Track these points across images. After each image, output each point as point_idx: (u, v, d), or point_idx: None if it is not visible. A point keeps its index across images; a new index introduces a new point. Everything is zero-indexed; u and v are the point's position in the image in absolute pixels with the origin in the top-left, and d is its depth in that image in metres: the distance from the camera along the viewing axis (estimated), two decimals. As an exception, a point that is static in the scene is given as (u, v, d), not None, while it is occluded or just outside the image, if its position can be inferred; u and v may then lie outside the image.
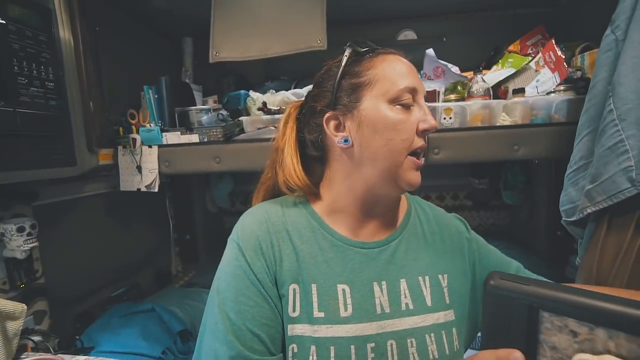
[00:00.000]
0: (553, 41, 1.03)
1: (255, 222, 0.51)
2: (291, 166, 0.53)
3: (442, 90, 1.13)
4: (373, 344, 0.45)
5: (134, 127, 1.20)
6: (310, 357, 0.44)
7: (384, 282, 0.48)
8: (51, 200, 1.17)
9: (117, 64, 1.22)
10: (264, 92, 1.21)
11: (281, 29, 1.12)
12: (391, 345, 0.45)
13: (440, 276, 0.51)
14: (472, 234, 0.61)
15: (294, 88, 1.40)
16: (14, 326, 0.94)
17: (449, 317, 0.49)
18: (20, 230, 0.98)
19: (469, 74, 1.21)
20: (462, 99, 1.10)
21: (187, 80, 1.52)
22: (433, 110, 1.08)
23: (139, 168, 1.17)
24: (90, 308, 1.32)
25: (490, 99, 1.05)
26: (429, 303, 0.49)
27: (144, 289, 1.55)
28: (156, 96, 1.23)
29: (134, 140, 1.17)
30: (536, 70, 1.12)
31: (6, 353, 0.90)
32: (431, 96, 1.13)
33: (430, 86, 1.14)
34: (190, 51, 1.62)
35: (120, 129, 1.20)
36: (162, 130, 1.16)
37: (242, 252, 0.48)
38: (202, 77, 1.62)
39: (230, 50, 1.13)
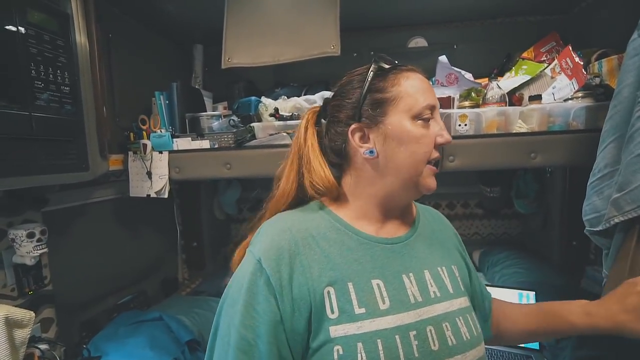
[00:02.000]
0: (570, 48, 1.02)
1: (276, 231, 0.51)
2: (320, 170, 0.55)
3: (457, 97, 1.11)
4: (415, 332, 0.47)
5: (144, 133, 1.19)
6: (359, 355, 0.43)
7: (411, 274, 0.52)
8: (60, 206, 1.16)
9: (128, 70, 1.23)
10: (275, 99, 1.21)
11: (294, 35, 1.12)
12: (430, 330, 0.48)
13: (453, 267, 0.58)
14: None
15: (305, 94, 1.39)
16: (21, 334, 0.92)
17: (466, 303, 0.56)
18: (30, 236, 0.97)
19: (483, 81, 1.19)
20: (477, 106, 1.09)
21: (197, 87, 1.52)
22: (448, 117, 1.07)
23: (149, 174, 1.16)
24: (97, 316, 1.30)
25: (506, 105, 1.03)
26: (450, 290, 0.54)
27: (151, 296, 1.53)
28: (167, 102, 1.23)
29: (145, 145, 1.16)
30: (552, 77, 1.11)
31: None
32: (445, 103, 1.12)
33: (444, 93, 1.13)
34: (200, 58, 1.63)
35: (131, 134, 1.19)
36: (173, 136, 1.15)
37: (261, 264, 0.47)
38: (211, 84, 1.63)
39: (242, 56, 1.13)
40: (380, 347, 0.44)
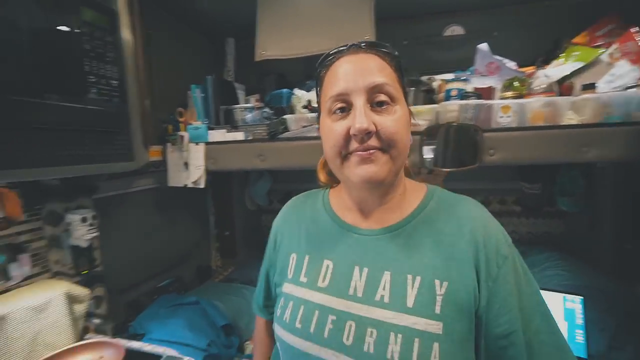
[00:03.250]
0: (633, 30, 0.92)
1: (285, 207, 0.65)
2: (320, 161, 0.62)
3: (499, 87, 1.05)
4: (334, 317, 0.48)
5: (181, 125, 1.24)
6: (288, 310, 0.52)
7: (366, 268, 0.49)
8: (108, 194, 1.25)
9: (165, 65, 1.28)
10: (307, 91, 1.21)
11: (328, 26, 1.10)
12: (350, 326, 0.47)
13: (437, 282, 0.45)
14: (511, 266, 0.47)
15: (336, 86, 1.38)
16: (80, 309, 1.01)
17: (432, 329, 0.43)
18: (84, 220, 1.05)
19: (528, 70, 1.12)
20: (520, 96, 1.02)
21: (229, 80, 1.56)
22: (488, 109, 1.01)
23: (186, 164, 1.21)
24: (139, 297, 1.39)
25: (555, 95, 0.96)
26: (409, 304, 0.45)
27: (186, 281, 1.61)
28: (203, 95, 1.27)
29: (182, 137, 1.21)
30: (609, 64, 1.01)
31: (74, 332, 0.98)
32: (486, 93, 1.06)
33: (484, 83, 1.07)
34: (232, 52, 1.66)
35: (169, 126, 1.24)
36: (209, 128, 1.19)
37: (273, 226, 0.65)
38: (243, 77, 1.66)
39: (275, 48, 1.13)
40: (300, 313, 0.51)
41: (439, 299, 0.44)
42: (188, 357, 0.92)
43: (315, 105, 1.13)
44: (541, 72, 0.97)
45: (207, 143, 1.18)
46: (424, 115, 1.09)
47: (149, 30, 1.17)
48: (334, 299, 0.49)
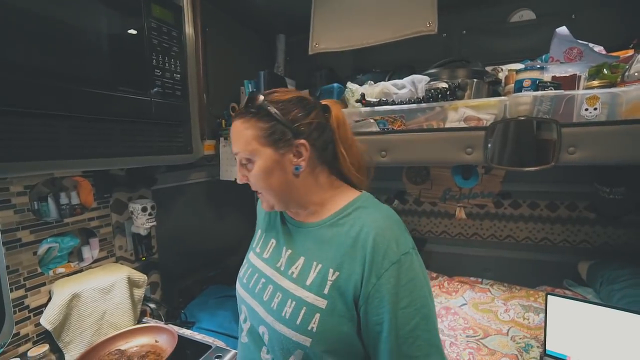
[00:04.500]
0: None
1: None
2: None
3: (585, 74, 0.92)
4: (264, 280, 0.65)
5: (234, 120, 1.26)
6: (243, 269, 0.72)
7: (290, 250, 0.65)
8: (165, 186, 1.31)
9: (219, 61, 1.30)
10: (359, 84, 1.16)
11: (385, 15, 1.05)
12: (269, 288, 0.63)
13: (331, 270, 0.58)
14: (388, 284, 0.54)
15: (389, 80, 1.31)
16: (138, 293, 1.07)
17: (318, 303, 0.56)
18: (144, 210, 1.12)
19: (621, 54, 0.96)
20: (612, 85, 0.88)
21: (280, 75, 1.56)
22: (570, 100, 0.88)
23: (238, 159, 1.22)
24: (190, 285, 1.45)
25: (661, 83, 0.81)
26: (307, 282, 0.59)
27: (233, 273, 1.65)
28: (255, 90, 1.28)
29: (235, 132, 1.23)
30: None
31: (134, 314, 1.04)
32: (567, 83, 0.93)
33: (567, 70, 0.94)
34: (282, 47, 1.67)
35: (223, 121, 1.27)
36: (260, 123, 1.19)
37: None
38: (292, 73, 1.65)
39: (329, 41, 1.10)
40: (248, 272, 0.69)
41: (329, 283, 0.57)
42: (235, 350, 0.93)
43: (370, 99, 1.08)
44: (642, 56, 0.82)
45: (258, 138, 1.19)
46: (489, 109, 0.99)
47: (206, 28, 1.20)
48: (268, 268, 0.66)
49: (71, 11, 0.63)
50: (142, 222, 1.12)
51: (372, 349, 0.56)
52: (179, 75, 0.84)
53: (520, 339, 1.19)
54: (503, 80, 1.13)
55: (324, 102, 0.66)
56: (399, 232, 0.58)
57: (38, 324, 0.91)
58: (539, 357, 1.08)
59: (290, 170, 0.60)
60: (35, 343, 0.92)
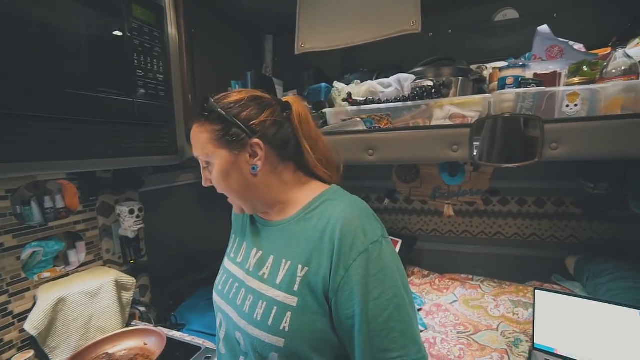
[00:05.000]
0: None
1: None
2: None
3: (565, 71, 0.94)
4: (237, 284, 0.64)
5: (222, 121, 1.25)
6: (219, 276, 0.71)
7: (261, 251, 0.64)
8: (153, 188, 1.30)
9: (207, 62, 1.30)
10: (346, 84, 1.16)
11: (369, 15, 1.05)
12: (242, 291, 0.62)
13: (300, 266, 0.56)
14: (360, 268, 0.53)
15: (376, 79, 1.32)
16: (127, 296, 1.06)
17: (289, 301, 0.55)
18: (131, 212, 1.11)
19: (600, 52, 0.98)
20: (591, 82, 0.90)
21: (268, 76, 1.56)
22: (551, 97, 0.90)
23: (226, 159, 1.22)
24: (180, 288, 1.44)
25: (637, 78, 0.83)
26: (277, 281, 0.58)
27: (224, 275, 1.65)
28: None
29: (223, 133, 1.22)
30: None
31: (122, 318, 1.03)
32: (548, 80, 0.95)
33: (547, 68, 0.96)
34: (270, 48, 1.67)
35: (211, 122, 1.26)
36: (248, 123, 1.19)
37: None
38: (281, 73, 1.65)
39: (315, 40, 1.10)
40: (223, 278, 0.69)
41: (298, 279, 0.55)
42: (226, 350, 0.93)
43: (357, 98, 1.09)
44: (620, 53, 0.84)
45: (246, 138, 1.19)
46: (474, 106, 1.01)
47: (192, 29, 1.19)
48: (240, 271, 0.65)
49: (49, 11, 0.63)
50: (130, 224, 1.11)
51: (348, 344, 0.55)
52: (162, 76, 0.84)
53: (510, 333, 1.20)
54: (488, 78, 1.14)
55: (284, 99, 0.64)
56: (366, 221, 0.56)
57: (23, 330, 0.90)
58: (527, 351, 1.10)
59: (248, 171, 0.59)
60: (20, 349, 0.90)
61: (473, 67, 1.21)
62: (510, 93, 0.94)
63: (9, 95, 0.56)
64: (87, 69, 0.68)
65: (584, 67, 0.94)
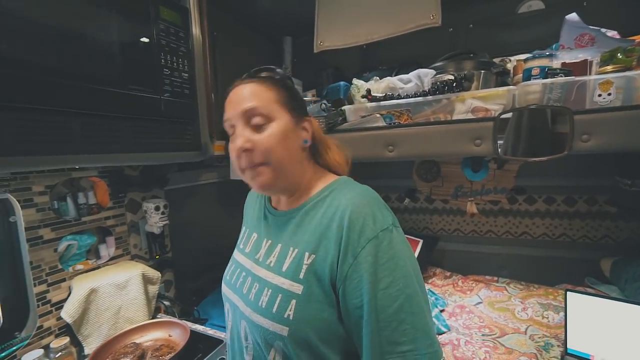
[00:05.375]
0: None
1: (248, 194, 0.82)
2: None
3: (597, 60, 0.89)
4: (244, 274, 0.64)
5: (243, 120, 1.28)
6: (227, 266, 0.73)
7: (270, 241, 0.64)
8: (177, 186, 1.35)
9: (228, 64, 1.33)
10: (366, 81, 1.16)
11: (388, 10, 1.05)
12: (249, 280, 0.62)
13: (307, 253, 0.56)
14: (368, 256, 0.51)
15: (396, 75, 1.31)
16: (153, 289, 1.10)
17: (294, 289, 0.54)
18: (157, 209, 1.15)
19: (638, 38, 0.93)
20: (627, 69, 0.85)
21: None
22: (582, 86, 0.86)
23: (247, 158, 1.25)
24: (202, 284, 1.48)
25: (679, 64, 0.77)
26: (284, 268, 0.57)
27: (244, 272, 1.67)
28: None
29: (243, 132, 1.25)
30: None
31: (148, 310, 1.07)
32: (578, 69, 0.91)
33: (577, 56, 0.92)
34: (289, 49, 1.69)
35: (232, 122, 1.30)
36: (268, 122, 1.21)
37: None
38: (300, 74, 1.67)
39: (334, 38, 1.11)
40: (231, 269, 0.69)
41: (304, 267, 0.55)
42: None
43: (376, 94, 1.08)
44: (658, 37, 0.79)
45: (266, 137, 1.21)
46: (497, 99, 0.98)
47: (214, 32, 1.24)
48: (248, 261, 0.65)
49: (84, 15, 0.67)
50: (155, 220, 1.15)
51: (356, 336, 0.52)
52: (187, 75, 0.87)
53: (539, 337, 1.15)
54: (512, 71, 1.11)
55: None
56: (376, 208, 0.54)
57: (59, 318, 0.95)
58: (559, 357, 1.04)
59: (300, 142, 0.60)
60: (57, 336, 0.95)
61: (496, 60, 1.17)
62: (536, 84, 0.90)
63: (49, 92, 0.61)
64: (119, 68, 0.72)
65: (618, 54, 0.89)
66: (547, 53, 0.99)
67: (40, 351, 0.85)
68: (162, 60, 0.80)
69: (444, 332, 1.24)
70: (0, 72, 0.55)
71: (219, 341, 0.96)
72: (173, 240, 1.32)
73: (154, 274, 1.12)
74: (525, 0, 1.37)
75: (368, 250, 0.50)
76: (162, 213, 1.17)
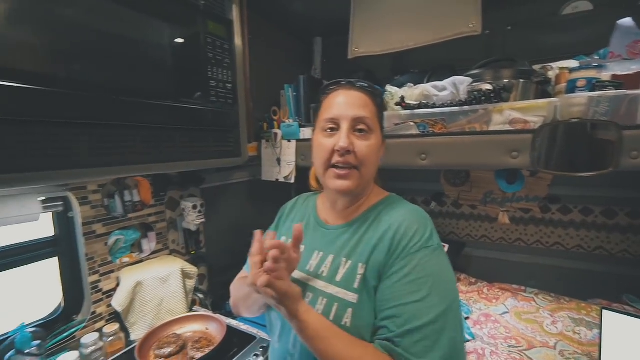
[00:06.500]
0: None
1: (292, 200, 0.86)
2: None
3: (652, 72, 0.85)
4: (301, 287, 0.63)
5: (275, 123, 1.32)
6: None
7: (321, 252, 0.66)
8: (211, 185, 1.41)
9: (261, 66, 1.36)
10: (399, 86, 1.16)
11: (425, 17, 1.04)
12: (302, 286, 0.62)
13: (360, 264, 0.60)
14: (419, 258, 0.57)
15: (428, 81, 1.29)
16: (190, 283, 1.17)
17: (349, 298, 0.58)
18: (194, 207, 1.22)
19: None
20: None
21: (317, 78, 1.60)
22: (634, 100, 0.82)
23: (279, 160, 1.29)
24: (232, 279, 1.55)
25: None
26: (338, 278, 0.61)
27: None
28: (295, 94, 1.33)
29: (276, 134, 1.29)
30: None
31: (186, 303, 1.14)
32: (631, 82, 0.86)
33: (630, 68, 0.87)
34: (319, 50, 1.70)
35: (265, 124, 1.34)
36: (300, 126, 1.24)
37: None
38: (329, 75, 1.68)
39: (369, 44, 1.12)
40: None
41: (358, 277, 0.59)
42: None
43: (410, 102, 1.08)
44: None
45: (298, 140, 1.24)
46: (538, 111, 0.95)
47: (249, 35, 1.27)
48: (299, 273, 0.67)
49: (142, 33, 0.72)
50: (193, 218, 1.22)
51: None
52: (230, 85, 0.91)
53: (570, 354, 1.12)
54: (553, 79, 1.07)
55: None
56: (429, 227, 0.61)
57: (109, 305, 1.04)
58: (591, 374, 1.02)
59: (379, 159, 0.67)
60: (107, 321, 1.05)
61: (536, 67, 1.13)
62: (581, 97, 0.87)
63: (120, 109, 0.67)
64: (173, 82, 0.77)
65: (677, 66, 0.84)
66: (595, 64, 0.94)
67: (96, 334, 0.94)
68: (210, 73, 0.85)
69: (468, 341, 1.24)
70: (82, 94, 0.61)
71: (252, 337, 1.02)
72: (207, 236, 1.40)
73: (192, 269, 1.19)
74: (570, 0, 1.30)
75: (415, 255, 0.56)
76: (199, 212, 1.24)
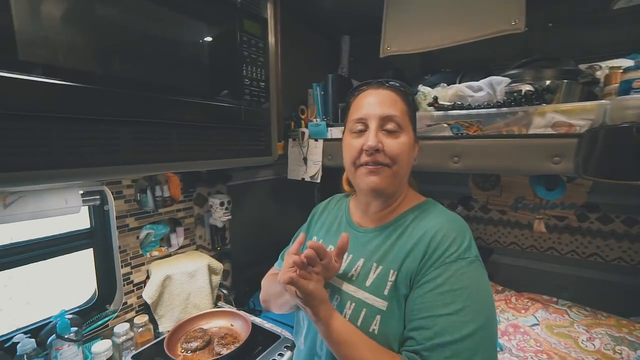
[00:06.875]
0: None
1: (325, 201, 0.87)
2: None
3: None
4: (329, 289, 0.63)
5: (302, 122, 1.31)
6: None
7: (351, 255, 0.65)
8: (237, 182, 1.43)
9: (289, 64, 1.36)
10: (431, 86, 1.12)
11: (464, 14, 1.00)
12: (328, 291, 0.61)
13: (392, 271, 0.58)
14: (454, 269, 0.53)
15: (460, 81, 1.25)
16: (216, 279, 1.19)
17: (379, 304, 0.57)
18: (222, 204, 1.23)
19: None
20: None
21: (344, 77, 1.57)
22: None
23: (305, 159, 1.28)
24: (254, 275, 1.56)
25: None
26: (367, 283, 0.60)
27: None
28: (322, 93, 1.32)
29: (303, 133, 1.28)
30: None
31: (212, 298, 1.16)
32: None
33: (693, 69, 0.80)
34: (347, 49, 1.68)
35: (292, 123, 1.33)
36: (328, 125, 1.23)
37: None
38: (356, 74, 1.66)
39: (402, 43, 1.08)
40: None
41: (389, 284, 0.57)
42: (301, 342, 0.99)
43: (443, 103, 1.04)
44: None
45: (325, 140, 1.22)
46: (584, 114, 0.89)
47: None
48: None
49: (180, 33, 0.73)
50: (219, 215, 1.24)
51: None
52: (263, 84, 0.91)
53: (609, 373, 1.06)
54: (602, 80, 1.00)
55: None
56: (467, 236, 0.57)
57: (139, 297, 1.07)
58: (633, 397, 0.95)
59: (412, 158, 0.64)
60: (137, 312, 1.08)
61: (582, 66, 1.06)
62: (636, 99, 0.81)
63: (158, 107, 0.68)
64: (209, 81, 0.77)
65: None
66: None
67: (127, 325, 0.98)
68: (244, 71, 0.85)
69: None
70: (122, 92, 0.62)
71: (276, 336, 1.02)
72: (232, 233, 1.41)
73: (218, 265, 1.21)
74: (623, -6, 1.21)
75: (439, 272, 0.53)
76: (226, 209, 1.25)
